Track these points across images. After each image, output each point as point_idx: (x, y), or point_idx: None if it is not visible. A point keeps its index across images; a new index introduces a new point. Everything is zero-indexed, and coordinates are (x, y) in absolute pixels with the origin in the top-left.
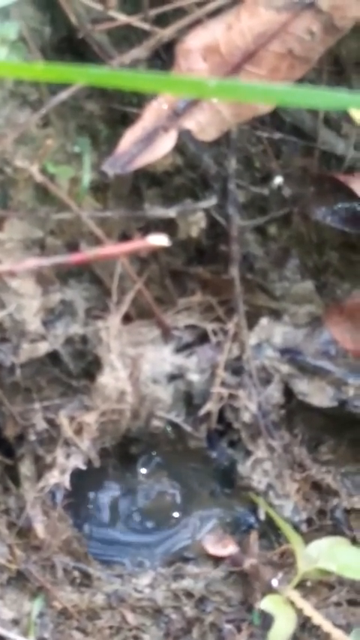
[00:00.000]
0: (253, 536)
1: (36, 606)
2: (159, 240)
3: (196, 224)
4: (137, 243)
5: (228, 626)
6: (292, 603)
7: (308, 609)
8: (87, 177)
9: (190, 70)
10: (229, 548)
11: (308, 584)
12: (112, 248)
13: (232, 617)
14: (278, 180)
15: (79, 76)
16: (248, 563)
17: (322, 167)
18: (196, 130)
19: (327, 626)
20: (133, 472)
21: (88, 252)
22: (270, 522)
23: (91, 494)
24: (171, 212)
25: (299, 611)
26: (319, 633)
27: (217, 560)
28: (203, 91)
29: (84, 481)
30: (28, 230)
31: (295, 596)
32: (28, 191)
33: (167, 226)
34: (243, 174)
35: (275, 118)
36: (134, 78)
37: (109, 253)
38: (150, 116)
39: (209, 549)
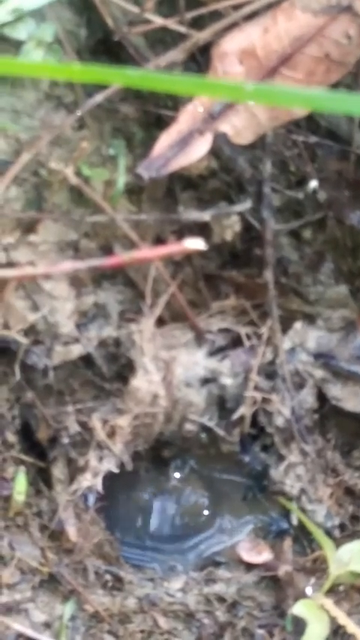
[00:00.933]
0: (287, 542)
1: (68, 609)
2: (195, 243)
3: (230, 227)
4: (173, 247)
5: (260, 632)
6: (325, 609)
7: (341, 617)
8: (122, 180)
9: (226, 74)
10: (264, 555)
11: (341, 589)
12: (147, 251)
13: (264, 622)
14: (313, 184)
15: (115, 77)
16: (283, 570)
17: (357, 171)
18: (231, 133)
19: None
20: (166, 476)
21: (123, 256)
22: (303, 527)
23: (124, 498)
24: (205, 215)
25: (332, 618)
26: None
27: (249, 565)
28: (240, 95)
29: (116, 484)
30: (63, 232)
31: (328, 603)
32: (62, 193)
33: (202, 230)
34: (278, 178)
35: (311, 122)
36: (170, 80)
37: (145, 257)
38: (185, 119)
39: (244, 556)
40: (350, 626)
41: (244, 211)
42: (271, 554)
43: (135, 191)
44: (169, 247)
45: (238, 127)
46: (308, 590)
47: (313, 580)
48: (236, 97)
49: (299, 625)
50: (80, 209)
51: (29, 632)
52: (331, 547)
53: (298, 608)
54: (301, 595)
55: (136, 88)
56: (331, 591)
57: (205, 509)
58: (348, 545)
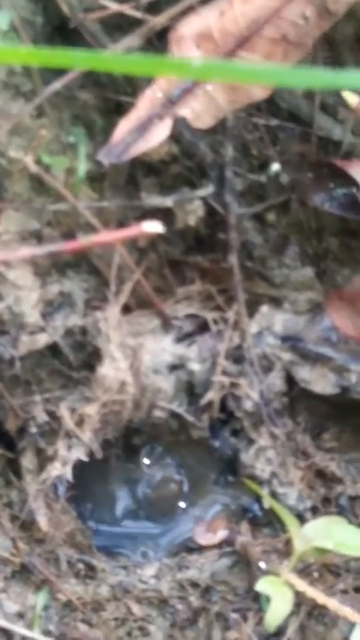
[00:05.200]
0: (244, 523)
1: (40, 599)
2: (153, 227)
3: (193, 213)
4: (132, 230)
5: (234, 616)
6: (292, 586)
7: (308, 590)
8: (82, 167)
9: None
10: (219, 534)
11: (315, 573)
12: (106, 235)
13: (238, 606)
14: (275, 167)
15: (64, 59)
16: (239, 543)
17: (319, 153)
18: (191, 117)
19: (331, 604)
20: (137, 463)
21: (82, 240)
22: (275, 511)
23: (95, 486)
24: (168, 201)
25: (298, 594)
26: (326, 621)
27: (221, 551)
28: (188, 72)
29: (87, 473)
30: (25, 221)
31: (293, 578)
32: (23, 182)
33: (165, 215)
34: (240, 162)
35: (271, 105)
36: (119, 60)
37: (104, 240)
38: (144, 105)
39: (199, 540)
40: (319, 598)
41: (206, 196)
42: (227, 530)
43: (96, 178)
44: (127, 230)
45: (198, 111)
46: (262, 565)
47: (274, 557)
48: (184, 74)
49: None
50: (42, 198)
51: (2, 623)
52: (295, 524)
53: (261, 585)
54: (268, 572)
55: (94, 74)
56: (305, 574)
57: (176, 495)
58: (312, 522)
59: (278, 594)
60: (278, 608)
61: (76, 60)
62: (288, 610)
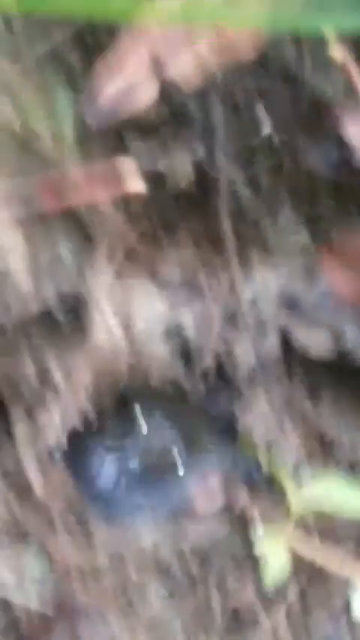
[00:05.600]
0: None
1: (37, 567)
2: (136, 185)
3: (184, 176)
4: (115, 189)
5: (234, 582)
6: (290, 548)
7: (308, 553)
8: (70, 131)
9: None
10: (218, 500)
11: (314, 537)
12: (89, 194)
13: (237, 572)
14: (267, 129)
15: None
16: (238, 508)
17: (311, 114)
18: (179, 78)
19: (331, 567)
20: (133, 430)
21: (62, 198)
22: (274, 476)
23: (91, 453)
24: (159, 165)
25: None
26: (327, 586)
27: (221, 515)
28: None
29: (83, 440)
30: (13, 186)
31: (292, 540)
32: (10, 148)
33: (155, 180)
34: (231, 124)
35: (262, 66)
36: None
37: (86, 199)
38: (131, 65)
39: (198, 508)
40: (319, 561)
41: (197, 159)
42: (225, 496)
43: (85, 141)
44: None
45: (186, 72)
46: (260, 529)
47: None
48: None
49: None
50: (29, 162)
51: None
52: (294, 488)
53: (259, 548)
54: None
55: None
56: (303, 536)
57: (174, 462)
58: (311, 485)
59: (276, 557)
60: (276, 571)
61: (58, 5)
62: (286, 572)
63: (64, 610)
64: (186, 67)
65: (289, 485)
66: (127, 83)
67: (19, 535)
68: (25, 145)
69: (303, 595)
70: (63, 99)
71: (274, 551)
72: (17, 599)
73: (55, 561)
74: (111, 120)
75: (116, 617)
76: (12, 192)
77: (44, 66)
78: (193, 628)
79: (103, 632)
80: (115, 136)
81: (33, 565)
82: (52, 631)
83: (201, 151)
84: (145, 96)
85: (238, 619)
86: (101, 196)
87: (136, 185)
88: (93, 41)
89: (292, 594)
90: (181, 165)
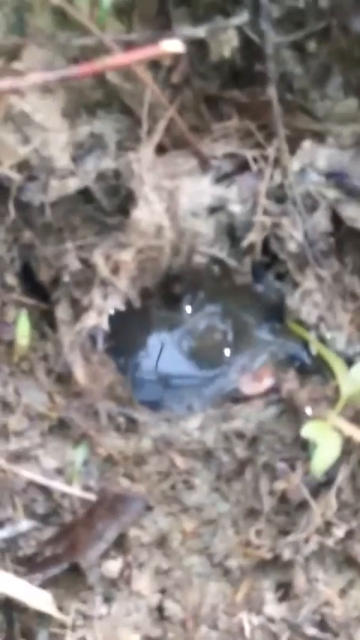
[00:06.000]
0: (291, 370)
1: (79, 454)
2: (174, 45)
3: (228, 43)
4: (149, 50)
5: (282, 465)
6: (340, 430)
7: (356, 434)
8: None
9: None
10: (265, 382)
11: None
12: (123, 57)
13: (285, 455)
14: None
15: None
16: (285, 390)
17: None
18: None
19: None
20: (178, 312)
21: (95, 63)
22: (323, 358)
23: (135, 337)
24: (200, 31)
25: (346, 438)
26: None
27: (268, 400)
28: None
29: (126, 324)
30: (49, 58)
31: (341, 422)
32: (45, 16)
33: (198, 48)
34: None
35: None
36: None
37: (120, 62)
38: None
39: (245, 390)
40: None
41: (241, 24)
42: (273, 379)
43: (124, 10)
44: (145, 51)
45: None
46: (308, 411)
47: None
48: None
49: None
50: (66, 32)
51: (40, 479)
52: (343, 367)
53: (307, 430)
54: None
55: None
56: (353, 418)
57: (221, 345)
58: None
59: (325, 439)
60: (325, 454)
61: None
62: (335, 455)
63: (107, 496)
64: None
65: (338, 366)
66: None
67: (61, 421)
68: (60, 13)
69: (353, 477)
70: None
71: (323, 433)
72: (59, 485)
73: (98, 447)
74: None
75: (159, 503)
76: (47, 64)
77: None
78: (240, 512)
79: (147, 517)
80: (155, 2)
81: (75, 451)
82: (93, 516)
83: (245, 16)
84: None
85: (286, 502)
86: (136, 59)
87: (175, 46)
88: None
89: (342, 476)
90: (223, 32)
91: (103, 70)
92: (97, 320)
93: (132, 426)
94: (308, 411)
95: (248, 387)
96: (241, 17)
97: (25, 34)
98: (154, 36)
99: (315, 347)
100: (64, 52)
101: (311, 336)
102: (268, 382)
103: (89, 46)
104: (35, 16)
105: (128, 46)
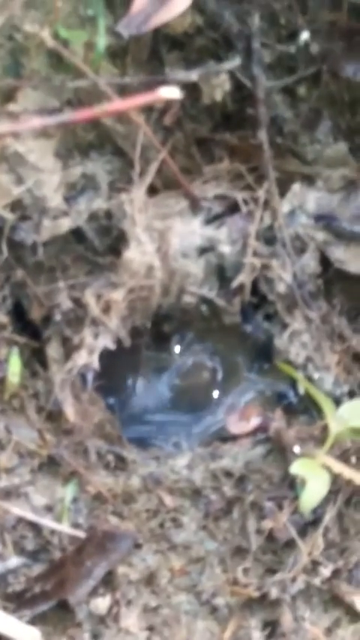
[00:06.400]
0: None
1: (69, 491)
2: (171, 92)
3: (220, 87)
4: (148, 96)
5: (269, 504)
6: (328, 468)
7: (346, 471)
8: (102, 41)
9: None
10: (252, 421)
11: (352, 458)
12: (121, 103)
13: (273, 494)
14: (305, 36)
15: None
16: (273, 429)
17: (351, 20)
18: None
19: None
20: (167, 351)
21: (95, 109)
22: (311, 397)
23: (124, 376)
24: (193, 75)
25: (335, 476)
26: None
27: (255, 439)
28: None
29: (116, 362)
30: (43, 100)
31: (330, 460)
32: (40, 58)
33: (190, 91)
34: (267, 32)
35: None
36: None
37: (119, 108)
38: None
39: (232, 429)
40: (357, 480)
41: (233, 69)
42: (261, 417)
43: (118, 54)
44: (143, 97)
45: None
46: (296, 449)
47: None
48: None
49: None
50: (61, 74)
51: (30, 516)
52: (331, 406)
53: (296, 467)
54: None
55: None
56: (340, 457)
57: (208, 384)
58: (349, 402)
59: (313, 476)
60: (314, 490)
61: None
62: (324, 492)
63: (96, 533)
64: None
65: (326, 405)
66: None
67: (51, 459)
68: (56, 56)
69: (340, 517)
70: (95, 8)
71: (312, 470)
72: (49, 522)
73: (88, 484)
74: (143, 28)
75: (148, 541)
76: (42, 106)
77: None
78: (228, 550)
79: (135, 555)
80: (148, 47)
81: (64, 488)
82: (82, 553)
83: (237, 60)
84: (179, 3)
85: (273, 541)
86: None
87: (172, 93)
88: None
89: (329, 516)
90: (216, 76)
91: (103, 116)
92: (87, 359)
93: (121, 464)
94: (296, 449)
95: (235, 426)
96: (233, 62)
97: (21, 76)
98: (147, 79)
99: (303, 386)
100: (59, 94)
101: (300, 376)
102: (255, 421)
103: (83, 89)
104: (31, 59)
105: (122, 89)
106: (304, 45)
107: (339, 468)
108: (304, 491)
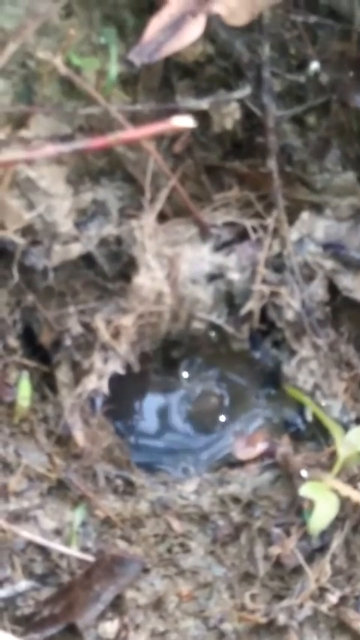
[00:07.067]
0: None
1: (78, 515)
2: (184, 121)
3: (230, 115)
4: (161, 126)
5: (277, 530)
6: (337, 491)
7: (354, 495)
8: (114, 69)
9: None
10: (259, 447)
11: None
12: (134, 132)
13: (280, 520)
14: (315, 66)
15: None
16: (280, 454)
17: None
18: (225, 14)
19: None
20: (176, 376)
21: (108, 137)
22: (318, 424)
23: (133, 401)
24: (204, 103)
25: (343, 499)
26: None
27: (263, 465)
28: None
29: (125, 387)
30: (55, 126)
31: (338, 484)
32: (53, 85)
33: (201, 119)
34: (278, 62)
35: (310, 1)
36: None
37: (132, 137)
38: (177, 1)
39: (239, 455)
40: None
41: (243, 98)
42: (267, 442)
43: (129, 81)
44: (156, 126)
45: (233, 7)
46: (304, 473)
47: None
48: None
49: None
50: (72, 101)
51: (39, 540)
52: (340, 431)
53: (305, 489)
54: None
55: None
56: (348, 482)
57: (216, 409)
58: (357, 428)
59: (322, 498)
60: (323, 513)
61: None
62: (333, 514)
63: (104, 557)
64: (233, 2)
65: (335, 430)
66: (172, 18)
67: (60, 483)
68: (68, 83)
69: (347, 544)
70: (107, 36)
71: (321, 493)
72: (58, 545)
73: (96, 509)
74: (154, 56)
75: (156, 566)
76: (54, 132)
77: (88, 3)
78: (235, 576)
79: (143, 579)
80: (159, 75)
81: (73, 512)
82: (91, 577)
83: (247, 90)
84: (191, 32)
85: (281, 567)
86: (148, 134)
87: (185, 122)
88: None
89: (336, 543)
90: (226, 105)
91: (116, 144)
92: (97, 383)
93: (129, 489)
94: (304, 473)
95: (242, 452)
96: (244, 91)
97: (33, 102)
98: (158, 107)
99: (312, 412)
100: (71, 120)
101: (309, 401)
102: (261, 447)
103: (94, 115)
104: (43, 86)
105: (133, 116)
106: (314, 75)
107: (347, 491)
108: (313, 512)
